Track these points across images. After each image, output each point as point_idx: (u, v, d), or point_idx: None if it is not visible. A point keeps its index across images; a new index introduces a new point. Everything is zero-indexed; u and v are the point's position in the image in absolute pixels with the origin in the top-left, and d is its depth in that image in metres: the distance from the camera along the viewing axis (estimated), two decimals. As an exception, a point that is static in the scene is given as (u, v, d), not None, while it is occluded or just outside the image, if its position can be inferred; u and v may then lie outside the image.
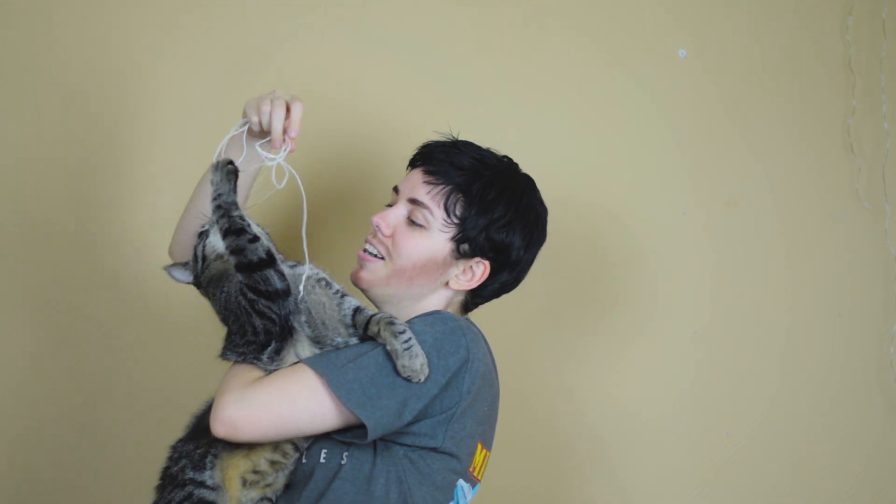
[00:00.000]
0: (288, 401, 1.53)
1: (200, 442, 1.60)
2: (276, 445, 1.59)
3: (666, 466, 2.40)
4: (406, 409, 1.55)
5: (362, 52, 2.31)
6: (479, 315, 1.83)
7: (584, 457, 2.37)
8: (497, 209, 1.71)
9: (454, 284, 1.75)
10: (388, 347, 1.55)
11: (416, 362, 1.53)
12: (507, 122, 2.36)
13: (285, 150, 1.60)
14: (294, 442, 1.61)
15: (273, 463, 1.60)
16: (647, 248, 2.42)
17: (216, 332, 1.66)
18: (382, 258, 1.72)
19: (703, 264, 2.45)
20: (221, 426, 1.51)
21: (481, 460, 1.71)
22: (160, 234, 2.20)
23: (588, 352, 2.39)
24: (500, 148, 1.82)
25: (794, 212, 2.49)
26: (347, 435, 1.58)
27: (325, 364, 1.56)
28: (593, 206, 2.40)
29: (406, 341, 1.54)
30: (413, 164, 1.79)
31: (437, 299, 1.76)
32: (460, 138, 1.80)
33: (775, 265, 2.47)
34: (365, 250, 1.74)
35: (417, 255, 1.71)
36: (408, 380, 1.53)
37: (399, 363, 1.53)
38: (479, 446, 1.69)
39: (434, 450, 1.62)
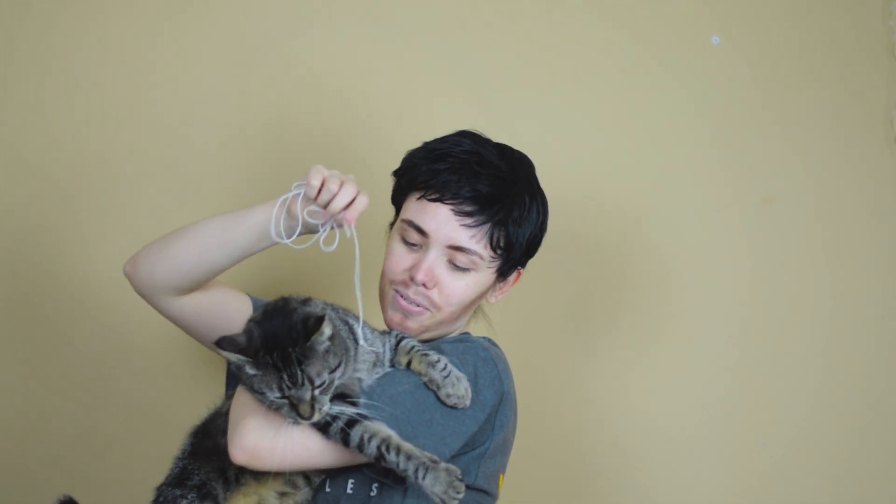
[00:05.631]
0: (317, 434, 1.50)
1: (185, 490, 1.56)
2: (286, 478, 1.57)
3: (698, 480, 2.38)
4: (445, 446, 1.55)
5: (375, 38, 2.33)
6: (495, 324, 1.85)
7: (608, 471, 2.37)
8: (531, 217, 1.72)
9: (491, 300, 1.78)
10: (425, 379, 1.55)
11: (459, 388, 1.54)
12: (526, 112, 2.36)
13: (349, 228, 1.55)
14: (306, 475, 1.59)
15: (282, 495, 1.57)
16: (677, 248, 2.40)
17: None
18: (428, 309, 1.69)
19: (737, 265, 2.42)
20: (242, 453, 1.49)
21: (501, 486, 1.73)
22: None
23: (614, 359, 2.38)
24: (519, 141, 1.78)
25: (833, 208, 2.45)
26: (380, 473, 1.56)
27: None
28: (618, 203, 2.38)
29: (443, 369, 1.55)
30: (423, 191, 1.69)
31: (467, 318, 1.79)
32: (465, 128, 1.75)
33: (814, 265, 2.44)
34: (403, 297, 1.68)
35: (467, 297, 1.70)
36: (454, 407, 1.54)
37: (442, 393, 1.54)
38: (501, 477, 1.72)
39: (467, 487, 1.58)
